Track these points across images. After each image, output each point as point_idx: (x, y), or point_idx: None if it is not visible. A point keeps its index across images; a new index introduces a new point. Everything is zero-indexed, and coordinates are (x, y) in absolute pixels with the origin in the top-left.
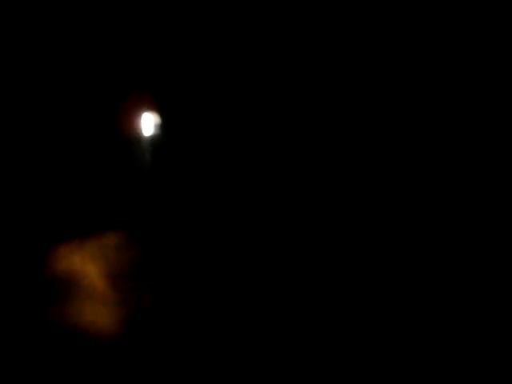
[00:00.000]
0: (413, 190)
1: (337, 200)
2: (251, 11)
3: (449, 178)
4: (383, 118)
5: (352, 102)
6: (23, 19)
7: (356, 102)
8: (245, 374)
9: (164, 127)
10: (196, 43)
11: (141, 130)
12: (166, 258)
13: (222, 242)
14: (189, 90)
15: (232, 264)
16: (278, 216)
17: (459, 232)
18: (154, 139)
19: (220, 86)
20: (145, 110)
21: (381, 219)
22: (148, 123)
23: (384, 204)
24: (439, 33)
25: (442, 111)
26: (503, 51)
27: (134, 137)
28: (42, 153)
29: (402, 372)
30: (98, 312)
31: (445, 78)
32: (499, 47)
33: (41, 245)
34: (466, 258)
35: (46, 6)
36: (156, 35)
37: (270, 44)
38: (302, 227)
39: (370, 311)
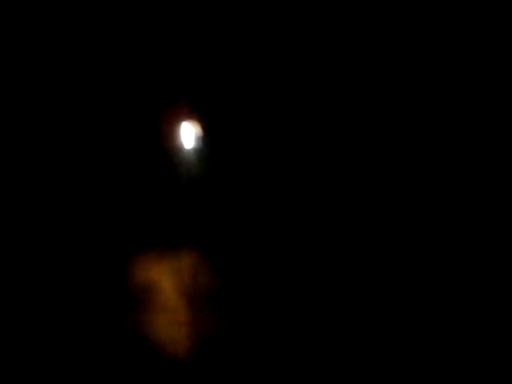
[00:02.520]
0: (413, 191)
1: (337, 200)
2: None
3: (449, 178)
4: (383, 118)
5: (352, 102)
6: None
7: (356, 101)
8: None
9: (206, 138)
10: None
11: (182, 142)
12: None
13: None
14: (230, 96)
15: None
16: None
17: (459, 232)
18: (196, 151)
19: (263, 94)
20: (185, 120)
21: (381, 219)
22: (189, 134)
23: (384, 204)
24: (439, 33)
25: (442, 111)
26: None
27: (175, 149)
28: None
29: (402, 372)
30: (168, 326)
31: (445, 78)
32: (499, 47)
33: (118, 256)
34: (465, 257)
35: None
36: (194, 44)
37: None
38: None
39: (369, 311)
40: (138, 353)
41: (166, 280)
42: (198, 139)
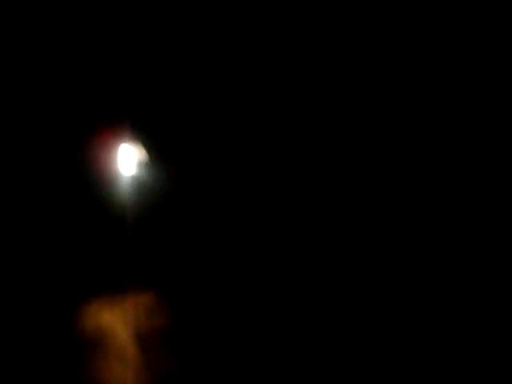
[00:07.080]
0: (413, 191)
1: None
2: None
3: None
4: (383, 118)
5: (352, 102)
6: None
7: (356, 102)
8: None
9: (150, 164)
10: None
11: (119, 168)
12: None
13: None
14: (179, 116)
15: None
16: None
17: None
18: (136, 179)
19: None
20: (124, 142)
21: (381, 219)
22: (129, 159)
23: (384, 204)
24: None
25: (442, 111)
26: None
27: (111, 177)
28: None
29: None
30: (122, 372)
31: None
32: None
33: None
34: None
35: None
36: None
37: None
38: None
39: (369, 311)
40: None
41: (116, 323)
42: (139, 165)
